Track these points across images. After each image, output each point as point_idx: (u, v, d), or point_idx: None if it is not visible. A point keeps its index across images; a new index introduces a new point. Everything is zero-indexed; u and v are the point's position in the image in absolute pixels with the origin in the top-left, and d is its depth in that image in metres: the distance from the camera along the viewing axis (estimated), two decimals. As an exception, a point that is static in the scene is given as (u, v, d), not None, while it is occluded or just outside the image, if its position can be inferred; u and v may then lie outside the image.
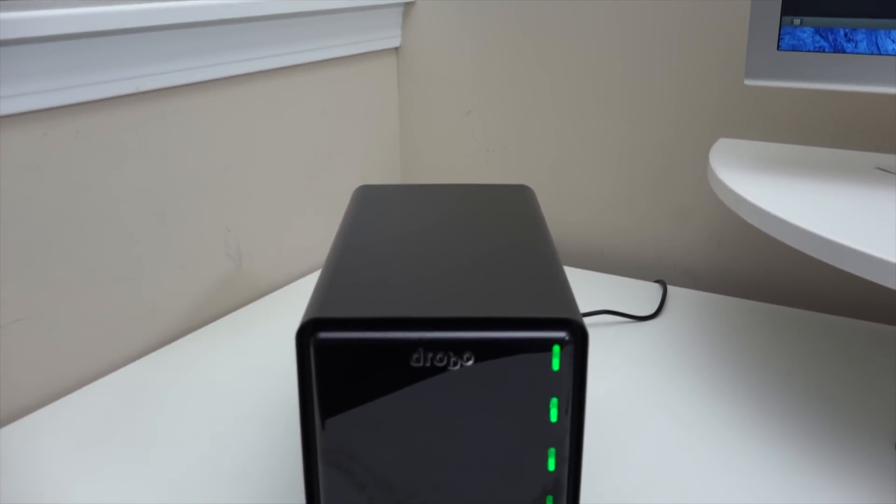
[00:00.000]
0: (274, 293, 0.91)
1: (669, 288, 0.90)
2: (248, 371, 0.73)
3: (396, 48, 1.06)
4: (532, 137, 1.00)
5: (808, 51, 0.61)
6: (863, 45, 0.60)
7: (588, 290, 0.90)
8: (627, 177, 0.96)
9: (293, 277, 0.95)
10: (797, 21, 0.61)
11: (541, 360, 0.40)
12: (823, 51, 0.61)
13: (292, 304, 0.88)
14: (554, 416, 0.41)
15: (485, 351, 0.40)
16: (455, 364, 0.40)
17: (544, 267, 0.47)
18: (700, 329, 0.80)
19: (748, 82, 0.63)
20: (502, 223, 0.55)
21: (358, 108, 1.01)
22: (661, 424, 0.64)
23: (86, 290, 0.71)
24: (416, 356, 0.40)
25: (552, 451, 0.42)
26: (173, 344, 0.78)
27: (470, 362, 0.40)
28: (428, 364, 0.40)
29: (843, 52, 0.60)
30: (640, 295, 0.88)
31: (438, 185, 0.64)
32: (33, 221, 0.66)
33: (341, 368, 0.40)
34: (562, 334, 0.40)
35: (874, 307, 0.86)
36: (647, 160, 0.94)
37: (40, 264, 0.67)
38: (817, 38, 0.61)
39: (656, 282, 0.92)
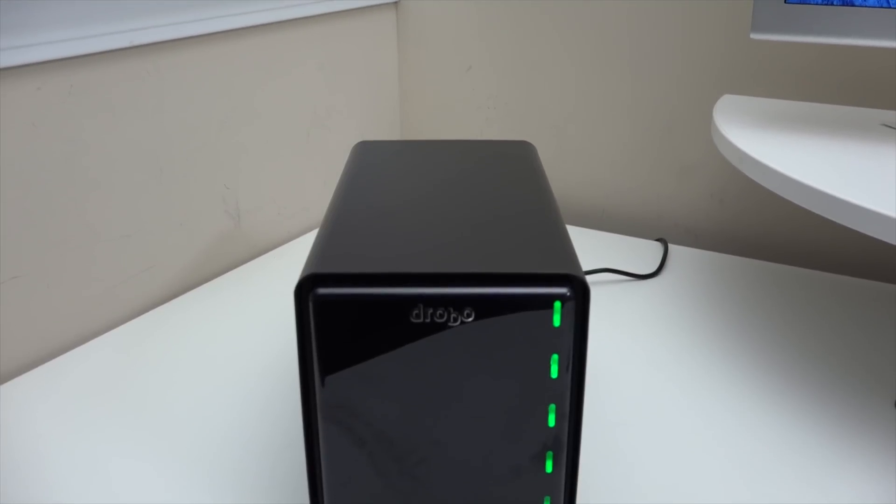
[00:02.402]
0: (273, 251, 0.90)
1: (671, 246, 0.90)
2: (247, 328, 0.73)
3: (395, 2, 1.04)
4: (533, 94, 0.99)
5: (816, 3, 0.60)
6: (872, -2, 0.58)
7: (589, 248, 0.89)
8: (630, 135, 0.95)
9: (292, 235, 0.95)
10: (805, -27, 0.60)
11: (542, 316, 0.40)
12: (832, 3, 0.59)
13: (291, 261, 0.87)
14: (554, 373, 0.41)
15: (485, 307, 0.40)
16: (455, 320, 0.40)
17: (546, 223, 0.46)
18: (701, 287, 0.80)
19: (754, 36, 0.62)
20: (503, 179, 0.54)
21: (356, 63, 0.99)
22: (662, 382, 0.64)
23: (84, 248, 0.71)
24: (415, 312, 0.40)
25: (552, 407, 0.42)
26: (172, 301, 0.78)
27: (470, 318, 0.40)
28: (428, 320, 0.40)
29: (852, 4, 0.59)
30: (641, 253, 0.88)
31: (438, 140, 0.63)
32: (29, 178, 0.66)
33: (340, 324, 0.40)
34: (563, 290, 0.40)
35: (875, 266, 0.86)
36: (651, 118, 0.93)
37: (37, 221, 0.67)
38: (826, -10, 0.59)
39: (657, 240, 0.92)
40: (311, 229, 0.97)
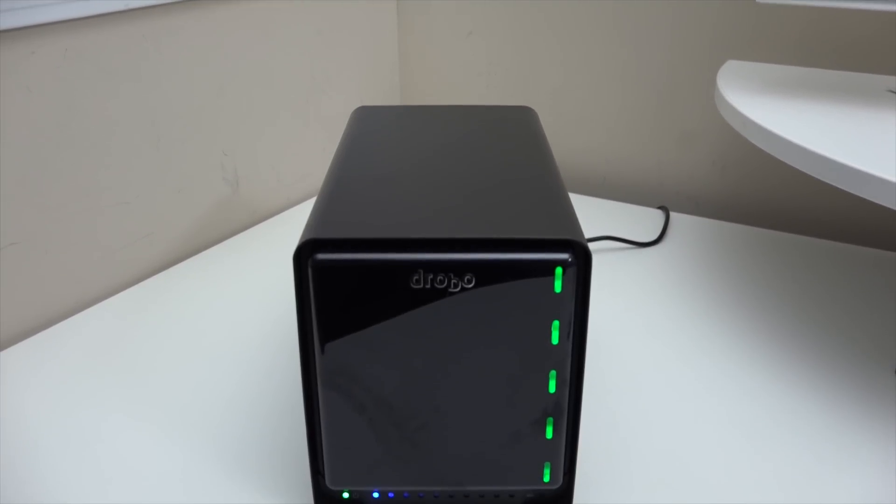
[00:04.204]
0: (272, 218, 0.90)
1: (672, 214, 0.89)
2: (247, 296, 0.72)
3: (395, -34, 1.02)
4: (534, 60, 0.98)
5: (824, -34, 0.59)
6: (880, -40, 0.57)
7: (590, 215, 0.89)
8: (631, 101, 0.94)
9: (291, 203, 0.94)
10: (813, -66, 0.59)
11: (543, 282, 0.39)
12: (839, -34, 0.58)
13: (291, 229, 0.87)
14: (555, 339, 0.41)
15: (486, 273, 0.39)
16: (456, 286, 0.40)
17: (547, 188, 0.46)
18: (702, 255, 0.80)
19: (760, 0, 0.61)
20: (505, 145, 0.54)
21: (356, 28, 0.98)
22: (662, 349, 0.64)
23: (82, 215, 0.70)
24: (415, 278, 0.39)
25: (553, 373, 0.42)
26: (171, 269, 0.78)
27: (471, 284, 0.39)
28: (428, 286, 0.40)
29: (860, -34, 0.58)
30: (642, 221, 0.88)
31: (439, 105, 0.62)
32: (25, 144, 0.65)
33: (339, 290, 0.40)
34: (564, 256, 0.39)
35: (877, 233, 0.85)
36: (652, 84, 0.92)
37: (34, 188, 0.66)
38: (833, -48, 0.58)
39: (659, 208, 0.91)
40: (310, 196, 0.97)
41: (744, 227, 0.86)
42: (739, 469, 0.51)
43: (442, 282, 0.39)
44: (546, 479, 0.44)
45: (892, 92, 0.68)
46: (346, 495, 0.46)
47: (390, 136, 0.56)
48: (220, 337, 0.66)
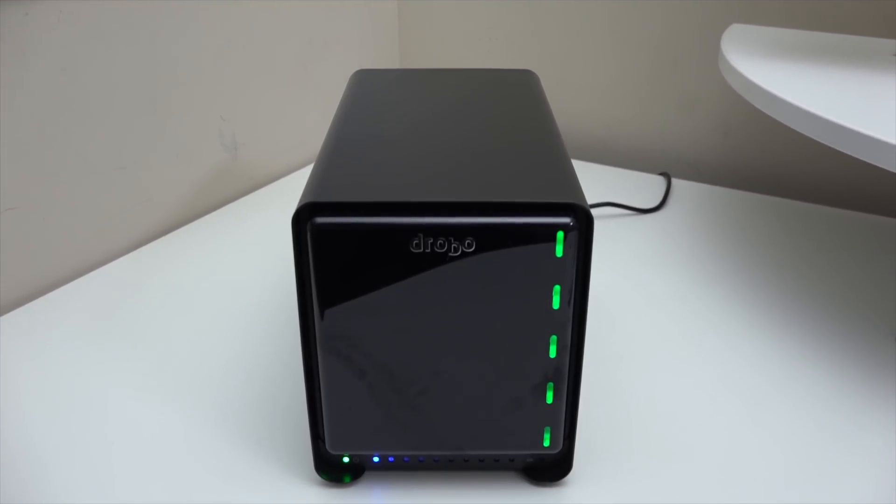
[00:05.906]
0: (271, 184, 0.89)
1: (674, 180, 0.89)
2: (246, 262, 0.72)
3: (394, -72, 1.01)
4: (535, 23, 0.97)
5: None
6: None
7: (591, 182, 0.88)
8: (633, 66, 0.93)
9: (290, 168, 0.94)
10: None
11: (544, 246, 0.39)
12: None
13: (289, 195, 0.86)
14: (556, 304, 0.40)
15: (486, 236, 0.39)
16: (456, 250, 0.39)
17: (549, 152, 0.45)
18: (704, 222, 0.79)
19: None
20: (506, 108, 0.53)
21: (354, -9, 0.97)
22: (663, 316, 0.64)
23: (79, 180, 0.70)
24: (415, 242, 0.39)
25: (554, 338, 0.41)
26: (169, 235, 0.77)
27: (471, 248, 0.39)
28: (428, 250, 0.39)
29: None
30: (643, 187, 0.87)
31: (439, 69, 0.61)
32: (21, 108, 0.64)
33: (338, 254, 0.39)
34: (566, 220, 0.39)
35: (880, 200, 0.85)
36: (654, 48, 0.91)
37: (31, 152, 0.66)
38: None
39: (660, 174, 0.91)
40: (309, 162, 0.96)
41: (746, 194, 0.86)
42: (740, 436, 0.51)
43: (442, 246, 0.39)
44: (546, 443, 0.44)
45: (899, 56, 0.67)
46: (346, 460, 0.46)
47: (389, 99, 0.55)
48: (219, 303, 0.66)
